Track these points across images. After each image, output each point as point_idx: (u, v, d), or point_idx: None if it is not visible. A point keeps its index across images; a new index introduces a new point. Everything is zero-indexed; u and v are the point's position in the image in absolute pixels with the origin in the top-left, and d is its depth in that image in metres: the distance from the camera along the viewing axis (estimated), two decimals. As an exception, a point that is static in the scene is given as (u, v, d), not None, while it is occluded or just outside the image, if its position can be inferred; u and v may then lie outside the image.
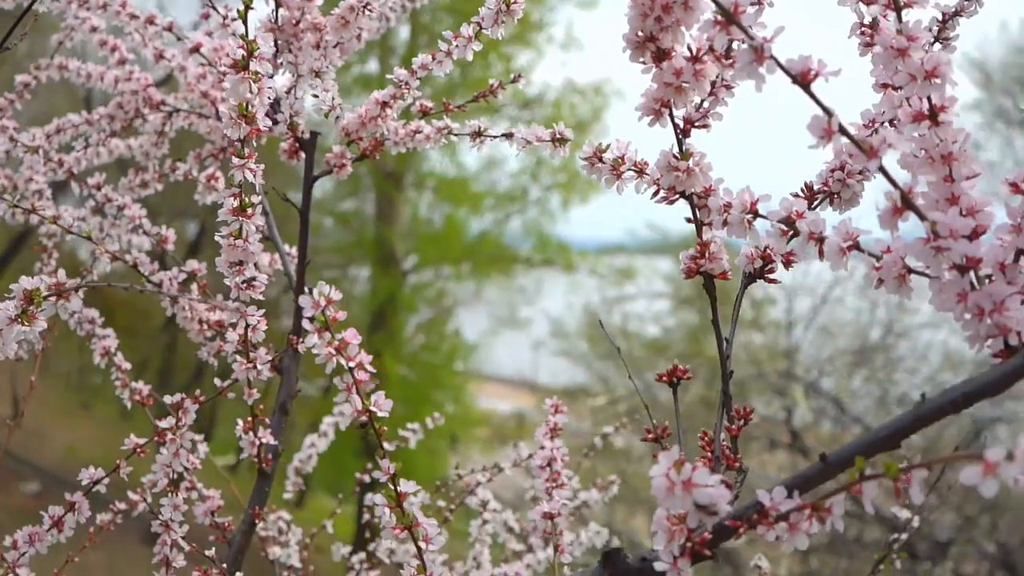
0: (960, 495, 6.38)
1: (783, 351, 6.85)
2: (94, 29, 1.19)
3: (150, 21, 1.09)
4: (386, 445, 0.63)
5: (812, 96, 0.51)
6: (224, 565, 0.93)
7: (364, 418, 0.63)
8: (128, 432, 1.06)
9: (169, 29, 1.08)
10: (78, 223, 1.07)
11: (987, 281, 0.52)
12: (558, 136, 0.83)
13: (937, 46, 0.71)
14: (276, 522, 1.33)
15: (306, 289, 0.59)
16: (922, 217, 0.51)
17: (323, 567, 1.65)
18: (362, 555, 1.36)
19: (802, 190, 0.68)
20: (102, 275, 1.07)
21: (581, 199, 11.69)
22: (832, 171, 0.68)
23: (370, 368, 0.62)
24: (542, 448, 0.95)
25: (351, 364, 0.61)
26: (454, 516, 1.36)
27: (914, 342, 7.95)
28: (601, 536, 1.31)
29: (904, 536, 1.06)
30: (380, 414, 0.62)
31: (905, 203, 0.51)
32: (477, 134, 0.94)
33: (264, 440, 0.96)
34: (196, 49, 1.04)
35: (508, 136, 0.89)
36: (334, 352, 0.61)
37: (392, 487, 0.64)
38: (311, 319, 0.60)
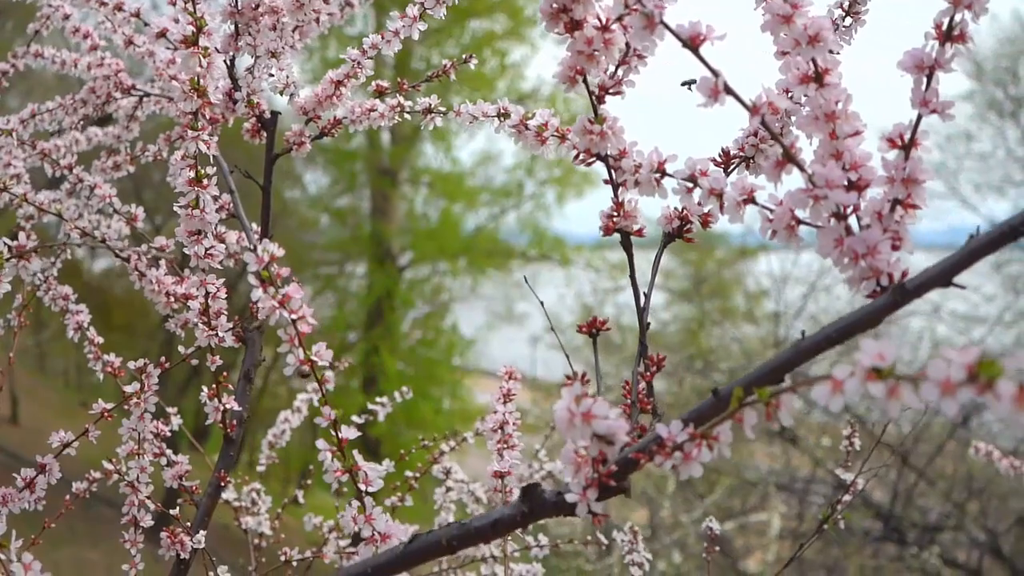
0: (948, 482, 6.45)
1: (773, 341, 6.90)
2: (67, 17, 1.23)
3: (118, 7, 1.13)
4: (327, 385, 0.67)
5: (701, 59, 0.55)
6: (189, 524, 0.98)
7: (306, 368, 0.67)
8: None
9: (137, 15, 1.12)
10: (52, 203, 1.11)
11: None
12: (502, 111, 0.87)
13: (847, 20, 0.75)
14: (249, 493, 1.37)
15: (251, 246, 0.64)
16: (802, 169, 0.55)
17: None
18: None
19: (719, 154, 0.73)
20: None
21: (576, 194, 11.74)
22: (747, 136, 0.72)
23: (312, 320, 0.67)
24: (495, 412, 0.99)
25: (294, 317, 0.66)
26: (427, 488, 1.40)
27: (906, 332, 8.01)
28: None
29: (848, 497, 1.10)
30: (320, 363, 0.67)
31: (787, 157, 0.55)
32: (428, 111, 0.99)
33: (228, 406, 1.00)
34: (163, 34, 1.08)
35: (457, 113, 0.93)
36: (277, 305, 0.65)
37: (334, 432, 0.69)
38: (255, 274, 0.64)
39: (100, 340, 1.14)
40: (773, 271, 8.20)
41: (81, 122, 1.22)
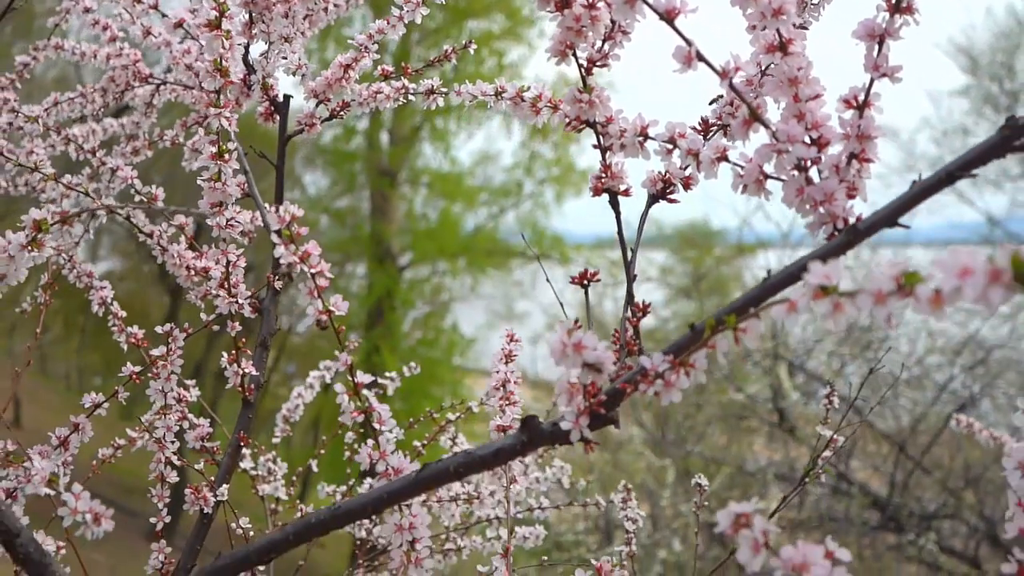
0: (945, 471, 6.52)
1: (771, 332, 6.97)
2: (87, 10, 1.30)
3: (137, 0, 1.20)
4: (350, 340, 0.74)
5: (676, 30, 0.62)
6: (213, 479, 1.04)
7: (324, 318, 0.74)
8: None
9: (155, 7, 1.19)
10: (78, 185, 1.18)
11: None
12: (499, 89, 0.94)
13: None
14: (265, 463, 1.44)
15: (273, 206, 0.71)
16: (767, 127, 0.62)
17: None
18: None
19: (699, 123, 0.80)
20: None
21: (575, 193, 11.81)
22: (723, 106, 0.79)
23: (329, 275, 0.74)
24: (497, 372, 1.06)
25: (313, 271, 0.73)
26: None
27: (905, 326, 8.09)
28: (565, 470, 1.43)
29: (828, 454, 1.17)
30: (338, 313, 0.74)
31: (753, 116, 0.62)
32: (431, 92, 1.06)
33: (247, 371, 1.07)
34: (179, 24, 1.15)
35: (458, 93, 1.00)
36: (298, 261, 0.72)
37: (350, 377, 0.75)
38: (278, 232, 0.71)
39: (123, 314, 1.21)
40: (770, 264, 8.27)
41: (101, 110, 1.28)
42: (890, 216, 0.58)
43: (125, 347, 1.17)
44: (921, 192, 0.57)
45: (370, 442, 0.76)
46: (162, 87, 1.29)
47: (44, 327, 1.31)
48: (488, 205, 12.35)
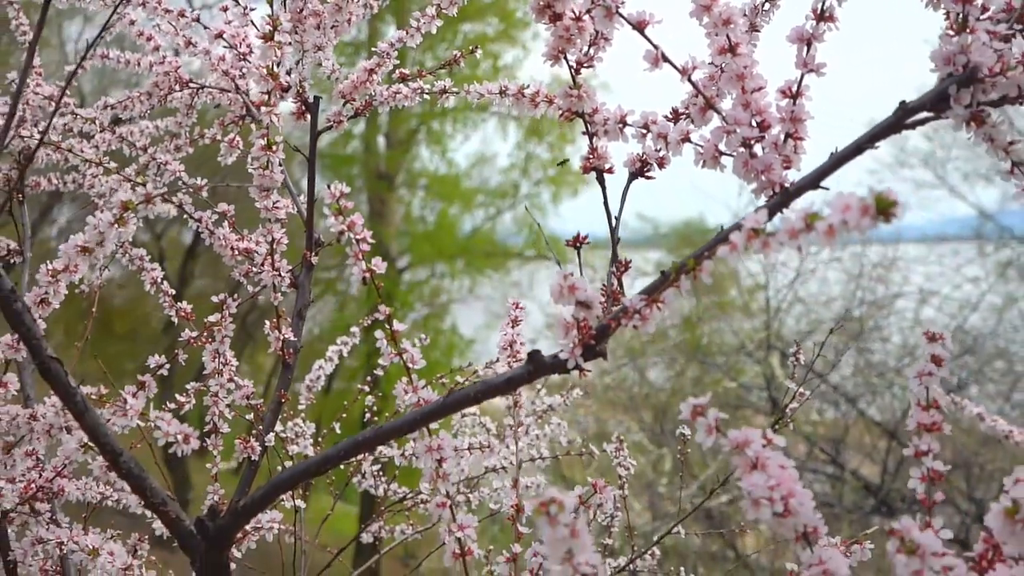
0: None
1: (763, 323, 7.15)
2: (133, 23, 1.46)
3: (181, 15, 1.36)
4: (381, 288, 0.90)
5: (646, 38, 0.79)
6: (260, 427, 1.21)
7: (367, 275, 0.91)
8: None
9: (197, 20, 1.35)
10: (133, 177, 1.35)
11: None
12: (503, 88, 1.10)
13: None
14: (293, 427, 1.61)
15: (320, 190, 0.87)
16: (719, 113, 0.79)
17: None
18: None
19: (670, 112, 0.96)
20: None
21: (571, 193, 11.98)
22: (689, 98, 0.96)
23: (370, 240, 0.90)
24: (504, 333, 1.22)
25: (358, 237, 0.89)
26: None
27: (900, 317, 8.28)
28: (561, 427, 1.59)
29: (795, 404, 1.33)
30: (378, 271, 0.90)
31: (707, 105, 0.79)
32: (444, 91, 1.22)
33: (287, 336, 1.23)
34: (220, 35, 1.31)
35: (467, 92, 1.16)
36: (346, 229, 0.89)
37: (388, 327, 0.92)
38: (329, 205, 0.88)
39: (172, 292, 1.37)
40: (762, 258, 8.47)
41: (147, 111, 1.45)
42: (812, 181, 0.75)
43: (176, 320, 1.33)
44: (837, 161, 0.74)
45: (404, 379, 0.93)
46: (201, 91, 1.45)
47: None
48: (485, 207, 12.51)
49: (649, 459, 6.47)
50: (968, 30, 0.71)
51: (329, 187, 0.86)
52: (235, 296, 1.19)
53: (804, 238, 0.62)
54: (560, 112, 0.90)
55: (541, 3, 0.84)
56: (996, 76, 0.70)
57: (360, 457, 1.68)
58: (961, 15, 0.72)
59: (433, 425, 0.90)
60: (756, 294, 9.83)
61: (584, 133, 0.91)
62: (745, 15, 0.94)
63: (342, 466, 1.72)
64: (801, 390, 1.32)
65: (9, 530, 1.13)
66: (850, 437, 7.11)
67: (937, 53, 0.72)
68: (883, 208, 0.56)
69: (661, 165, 0.94)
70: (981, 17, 0.74)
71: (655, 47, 0.78)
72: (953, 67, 0.71)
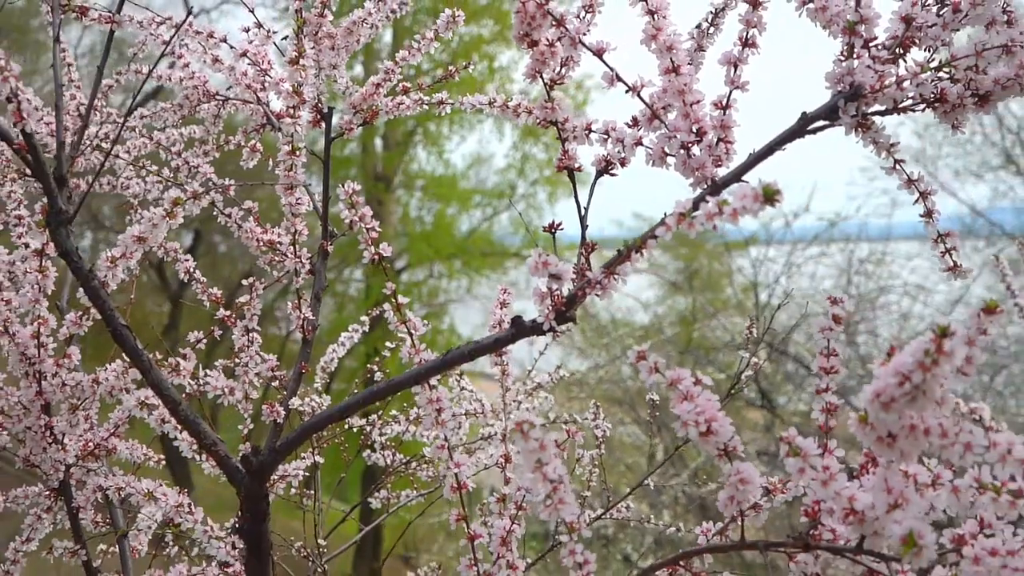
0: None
1: (751, 316, 7.35)
2: (165, 43, 1.65)
3: (210, 35, 1.55)
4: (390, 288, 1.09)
5: (603, 62, 0.98)
6: (286, 394, 1.40)
7: (376, 256, 1.10)
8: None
9: (224, 40, 1.54)
10: (168, 178, 1.54)
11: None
12: (492, 99, 1.29)
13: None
14: (309, 403, 1.80)
15: (335, 190, 1.06)
16: (662, 122, 0.98)
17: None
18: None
19: (631, 119, 1.15)
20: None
21: (568, 192, 12.15)
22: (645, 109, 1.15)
23: (377, 229, 1.09)
24: (493, 315, 1.41)
25: (368, 226, 1.08)
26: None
27: (888, 311, 8.48)
28: (548, 401, 1.78)
29: (750, 372, 1.52)
30: (386, 255, 1.09)
31: (653, 115, 0.98)
32: (442, 102, 1.41)
33: (307, 315, 1.42)
34: (244, 54, 1.50)
35: (461, 103, 1.36)
36: (358, 219, 1.08)
37: (394, 300, 1.11)
38: (343, 200, 1.07)
39: (204, 280, 1.56)
40: (750, 254, 8.66)
41: (180, 120, 1.64)
42: (737, 175, 0.94)
43: (208, 304, 1.52)
44: (752, 161, 0.93)
45: (408, 342, 1.12)
46: (226, 103, 1.64)
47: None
48: (482, 207, 12.69)
49: (643, 453, 6.66)
50: (854, 56, 0.90)
51: (344, 185, 1.05)
52: (263, 279, 1.38)
53: (717, 219, 0.81)
54: (537, 121, 1.09)
55: (521, 32, 1.04)
56: (876, 92, 0.90)
57: (369, 429, 1.88)
58: (848, 44, 0.91)
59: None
60: (750, 292, 10.04)
61: (556, 138, 1.10)
62: (692, 37, 1.14)
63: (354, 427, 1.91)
64: (755, 360, 1.50)
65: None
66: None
67: (830, 74, 0.91)
68: (769, 196, 0.75)
69: (623, 164, 1.13)
70: (871, 43, 0.93)
71: (611, 69, 0.97)
72: (841, 85, 0.90)
